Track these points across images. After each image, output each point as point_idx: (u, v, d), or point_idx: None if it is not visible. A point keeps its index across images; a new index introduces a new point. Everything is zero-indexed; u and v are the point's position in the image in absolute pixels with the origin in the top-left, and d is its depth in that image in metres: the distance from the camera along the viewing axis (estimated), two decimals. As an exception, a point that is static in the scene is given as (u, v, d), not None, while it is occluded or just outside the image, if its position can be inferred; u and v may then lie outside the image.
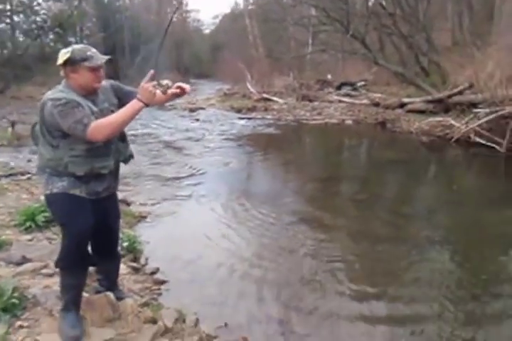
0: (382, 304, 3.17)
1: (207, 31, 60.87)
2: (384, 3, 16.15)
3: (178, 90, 2.35)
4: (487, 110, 8.70)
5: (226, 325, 2.87)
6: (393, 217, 5.19)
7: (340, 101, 15.48)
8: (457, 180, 7.21)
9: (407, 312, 3.07)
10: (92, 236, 2.40)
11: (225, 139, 10.52)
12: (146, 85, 2.20)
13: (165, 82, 2.30)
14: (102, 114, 2.28)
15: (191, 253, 3.95)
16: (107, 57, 2.30)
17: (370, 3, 17.15)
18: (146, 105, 2.21)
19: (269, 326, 2.93)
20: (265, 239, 4.41)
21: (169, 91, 2.32)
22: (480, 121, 8.68)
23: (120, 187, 4.41)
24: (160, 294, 3.22)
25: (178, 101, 17.38)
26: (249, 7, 29.04)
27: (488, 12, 14.16)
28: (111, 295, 2.59)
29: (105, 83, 2.42)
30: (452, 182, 6.86)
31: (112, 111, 2.31)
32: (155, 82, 2.24)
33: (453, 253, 4.16)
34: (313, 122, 13.32)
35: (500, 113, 8.25)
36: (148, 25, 36.06)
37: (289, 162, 8.49)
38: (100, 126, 2.16)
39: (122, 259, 3.47)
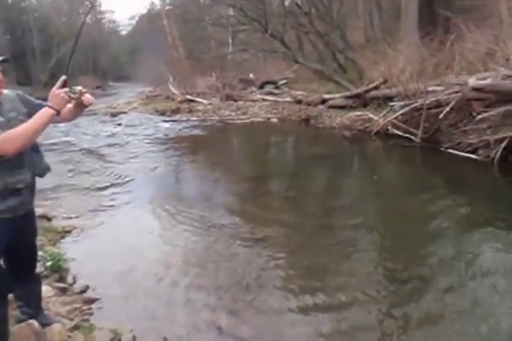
0: (319, 303, 3.17)
1: (124, 32, 59.22)
2: (299, 2, 16.57)
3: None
4: (401, 103, 9.18)
5: (165, 339, 2.75)
6: (322, 212, 5.34)
7: (263, 100, 15.66)
8: (379, 170, 7.60)
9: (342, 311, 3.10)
10: (6, 258, 2.20)
11: (150, 143, 10.23)
12: (57, 91, 2.10)
13: (78, 88, 2.19)
14: (10, 124, 2.09)
15: (122, 265, 3.76)
16: None
17: (286, 3, 17.55)
18: (58, 112, 2.10)
19: (209, 335, 2.86)
20: (196, 244, 4.32)
21: (83, 98, 2.18)
22: (396, 114, 9.14)
23: (39, 201, 4.16)
24: (91, 314, 3.03)
25: (98, 106, 16.68)
26: (166, 7, 28.58)
27: (396, 11, 14.98)
28: (34, 323, 2.38)
29: (10, 92, 2.26)
30: (374, 173, 7.21)
31: (22, 121, 2.14)
32: (67, 89, 2.12)
33: (379, 242, 4.34)
34: (239, 122, 13.35)
35: (413, 105, 8.73)
36: (59, 27, 34.33)
37: (217, 163, 8.43)
38: (9, 138, 1.99)
39: (46, 280, 3.25)
